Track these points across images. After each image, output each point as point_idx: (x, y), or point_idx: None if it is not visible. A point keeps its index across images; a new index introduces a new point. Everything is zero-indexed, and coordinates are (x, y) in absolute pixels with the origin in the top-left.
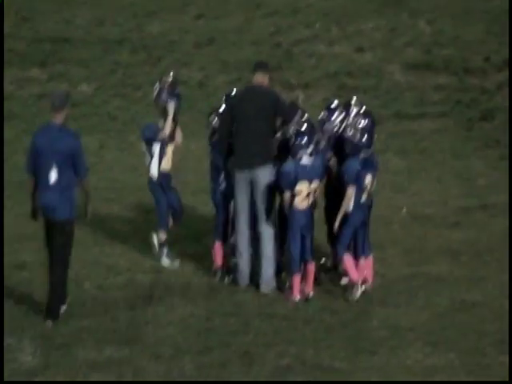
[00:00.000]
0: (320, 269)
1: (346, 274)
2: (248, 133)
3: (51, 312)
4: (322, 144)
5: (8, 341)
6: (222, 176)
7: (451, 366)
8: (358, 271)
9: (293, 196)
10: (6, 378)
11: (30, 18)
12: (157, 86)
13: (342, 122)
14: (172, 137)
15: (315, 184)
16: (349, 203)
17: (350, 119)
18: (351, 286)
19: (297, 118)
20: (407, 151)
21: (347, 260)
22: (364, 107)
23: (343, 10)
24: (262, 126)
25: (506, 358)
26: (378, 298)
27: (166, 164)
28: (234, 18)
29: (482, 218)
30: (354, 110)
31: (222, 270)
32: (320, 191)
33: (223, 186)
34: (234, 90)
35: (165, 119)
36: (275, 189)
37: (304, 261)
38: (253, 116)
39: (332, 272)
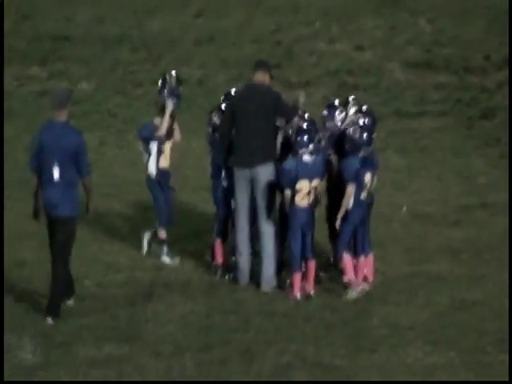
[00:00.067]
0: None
1: (343, 272)
2: (249, 131)
3: (52, 309)
4: (324, 142)
5: (8, 338)
6: (223, 173)
7: (451, 365)
8: (358, 270)
9: (293, 194)
10: (5, 376)
11: (31, 15)
12: (159, 83)
13: (343, 120)
14: (170, 134)
15: (316, 182)
16: (349, 201)
17: (348, 117)
18: (348, 285)
19: (297, 116)
20: (407, 149)
21: (346, 260)
22: (365, 105)
23: (343, 8)
24: (262, 125)
25: (506, 357)
26: (379, 296)
27: (165, 162)
28: (234, 16)
29: (482, 216)
30: (352, 109)
31: (222, 267)
32: (322, 189)
33: (224, 183)
34: (233, 88)
35: (162, 117)
36: (276, 187)
37: (305, 259)
38: (253, 114)
39: (332, 270)
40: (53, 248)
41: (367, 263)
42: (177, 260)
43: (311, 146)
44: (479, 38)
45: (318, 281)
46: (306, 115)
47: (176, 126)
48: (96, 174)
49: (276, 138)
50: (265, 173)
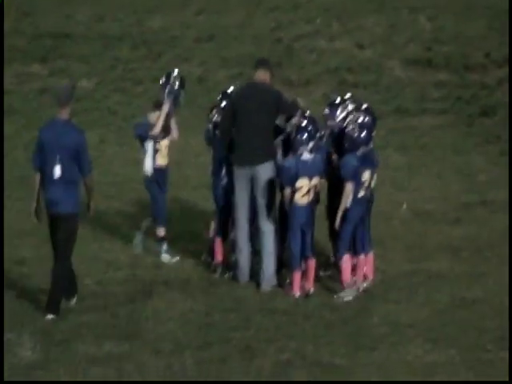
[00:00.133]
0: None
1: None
2: (249, 129)
3: (52, 306)
4: (324, 140)
5: (8, 336)
6: (224, 171)
7: (451, 363)
8: (358, 269)
9: (293, 192)
10: (5, 373)
11: (31, 13)
12: (163, 79)
13: (344, 118)
14: (167, 132)
15: (315, 180)
16: (347, 199)
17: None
18: (346, 285)
19: (298, 114)
20: (407, 147)
21: (345, 260)
22: (364, 103)
23: (344, 6)
24: (263, 123)
25: (507, 355)
26: (379, 294)
27: (162, 159)
28: (234, 14)
29: (482, 213)
30: (349, 106)
31: (222, 265)
32: (322, 187)
33: (224, 181)
34: (232, 87)
35: (157, 113)
36: (276, 185)
37: (304, 257)
38: (254, 112)
39: (332, 268)
40: (55, 246)
41: (367, 261)
42: (176, 258)
43: (311, 144)
44: (479, 36)
45: (317, 279)
46: (307, 113)
47: (174, 125)
48: (96, 172)
49: (276, 137)
50: (265, 171)
